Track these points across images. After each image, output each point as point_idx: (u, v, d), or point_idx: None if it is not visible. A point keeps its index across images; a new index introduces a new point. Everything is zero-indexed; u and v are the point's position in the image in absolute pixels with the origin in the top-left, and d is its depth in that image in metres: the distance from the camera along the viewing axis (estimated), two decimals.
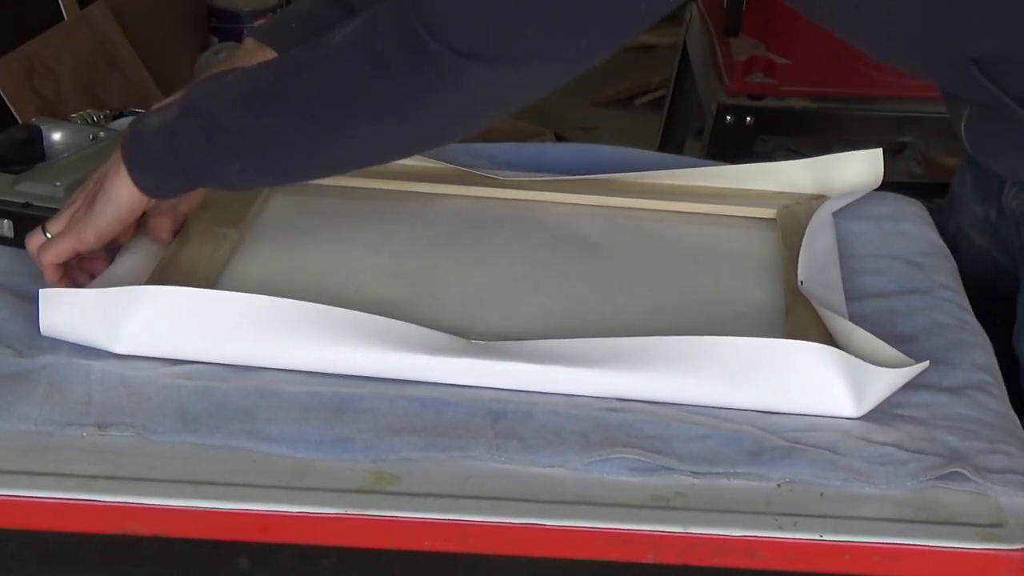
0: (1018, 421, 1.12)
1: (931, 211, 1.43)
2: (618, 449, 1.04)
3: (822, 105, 2.51)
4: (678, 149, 3.00)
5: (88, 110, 1.50)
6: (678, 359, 1.10)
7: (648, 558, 0.99)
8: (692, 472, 1.03)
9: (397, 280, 1.24)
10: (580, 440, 1.05)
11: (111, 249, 1.24)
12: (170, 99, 1.22)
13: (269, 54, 1.30)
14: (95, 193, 1.19)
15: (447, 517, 0.99)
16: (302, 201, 1.37)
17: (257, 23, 2.84)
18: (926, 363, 1.10)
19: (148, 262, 1.23)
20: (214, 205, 1.31)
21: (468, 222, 1.36)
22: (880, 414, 1.09)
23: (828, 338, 1.14)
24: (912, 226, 1.40)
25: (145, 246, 1.25)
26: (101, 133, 1.43)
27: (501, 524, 0.99)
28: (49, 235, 1.21)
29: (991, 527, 0.99)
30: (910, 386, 1.11)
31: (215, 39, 2.87)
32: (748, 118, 2.48)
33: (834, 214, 1.38)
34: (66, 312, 1.13)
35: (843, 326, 1.15)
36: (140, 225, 1.25)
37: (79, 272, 1.22)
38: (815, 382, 1.08)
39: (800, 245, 1.27)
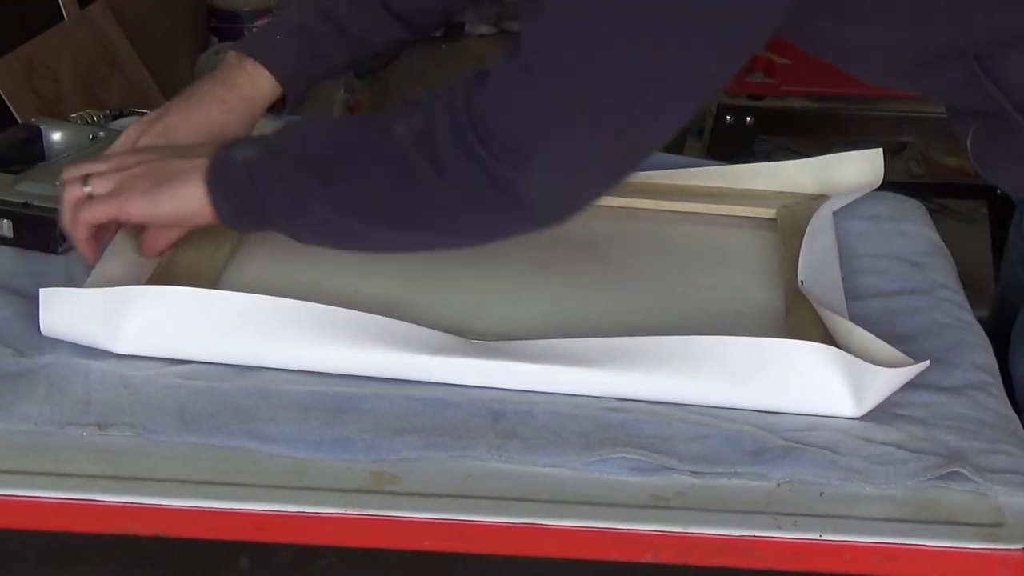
0: (1018, 421, 1.12)
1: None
2: (618, 449, 1.04)
3: (822, 105, 2.51)
4: (678, 149, 2.99)
5: (88, 110, 1.50)
6: (678, 359, 1.10)
7: (648, 558, 0.99)
8: (692, 472, 1.03)
9: (398, 280, 1.24)
10: (580, 440, 1.05)
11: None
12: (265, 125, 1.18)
13: (251, 68, 1.29)
14: (164, 177, 1.16)
15: (447, 517, 0.99)
16: None
17: (258, 21, 2.84)
18: (926, 363, 1.10)
19: (144, 261, 1.23)
20: None
21: None
22: (880, 414, 1.09)
23: (828, 338, 1.14)
24: (912, 226, 1.40)
25: (136, 245, 1.25)
26: (101, 133, 1.43)
27: (501, 524, 0.99)
28: (90, 189, 1.18)
29: (991, 527, 0.99)
30: (910, 386, 1.11)
31: (215, 39, 2.87)
32: (748, 118, 2.48)
33: (834, 214, 1.38)
34: (67, 312, 1.12)
35: (843, 326, 1.15)
36: (121, 224, 1.24)
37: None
38: (815, 382, 1.09)
39: (800, 245, 1.27)
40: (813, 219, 1.32)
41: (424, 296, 1.21)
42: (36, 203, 1.28)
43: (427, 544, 0.99)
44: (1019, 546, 0.98)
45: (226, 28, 2.87)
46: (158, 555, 1.01)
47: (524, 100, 1.04)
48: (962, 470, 1.03)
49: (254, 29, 2.85)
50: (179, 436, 1.04)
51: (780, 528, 0.99)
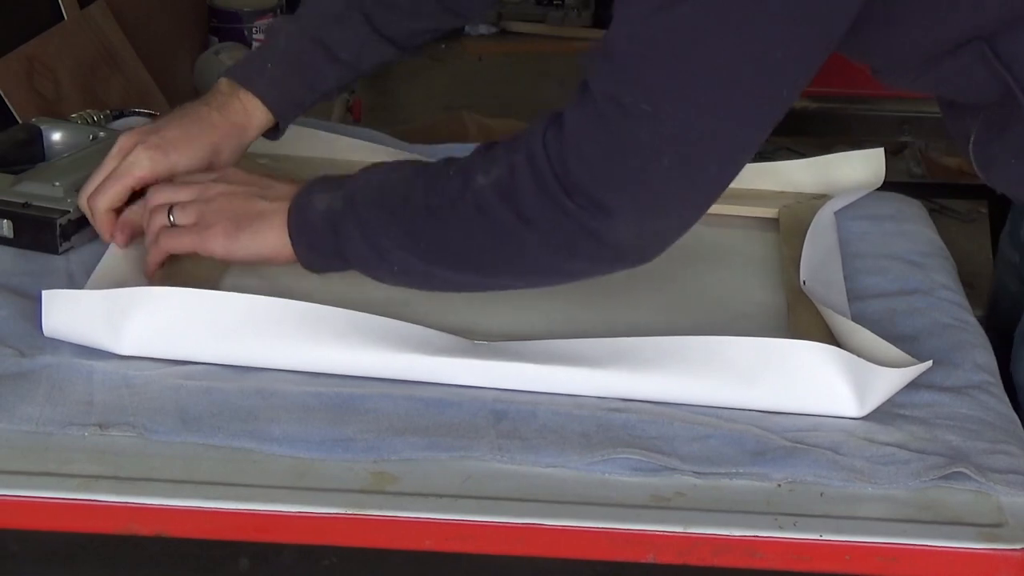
0: (1019, 421, 1.12)
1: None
2: (620, 449, 1.04)
3: (822, 105, 2.51)
4: None
5: (88, 110, 1.50)
6: (680, 359, 1.10)
7: (648, 558, 0.99)
8: (694, 472, 1.03)
9: None
10: (582, 440, 1.05)
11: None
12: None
13: (244, 97, 1.29)
14: (245, 217, 1.17)
15: (447, 517, 0.99)
16: None
17: (258, 21, 2.85)
18: (929, 363, 1.10)
19: (142, 263, 1.23)
20: None
21: None
22: (882, 414, 1.09)
23: (831, 338, 1.14)
24: (913, 226, 1.40)
25: (135, 247, 1.24)
26: (101, 133, 1.43)
27: (502, 524, 0.99)
28: (174, 220, 1.19)
29: (992, 527, 0.99)
30: (912, 386, 1.11)
31: (215, 39, 2.87)
32: None
33: (835, 214, 1.38)
34: (69, 313, 1.12)
35: (846, 326, 1.15)
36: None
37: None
38: (818, 382, 1.08)
39: (802, 245, 1.27)
40: (815, 219, 1.32)
41: (427, 297, 1.21)
42: (36, 203, 1.28)
43: (428, 544, 0.99)
44: (1020, 546, 0.98)
45: (226, 28, 2.87)
46: (159, 555, 1.01)
47: (602, 153, 1.04)
48: (964, 470, 1.03)
49: (253, 29, 2.86)
50: (180, 436, 1.04)
51: (781, 528, 0.99)
